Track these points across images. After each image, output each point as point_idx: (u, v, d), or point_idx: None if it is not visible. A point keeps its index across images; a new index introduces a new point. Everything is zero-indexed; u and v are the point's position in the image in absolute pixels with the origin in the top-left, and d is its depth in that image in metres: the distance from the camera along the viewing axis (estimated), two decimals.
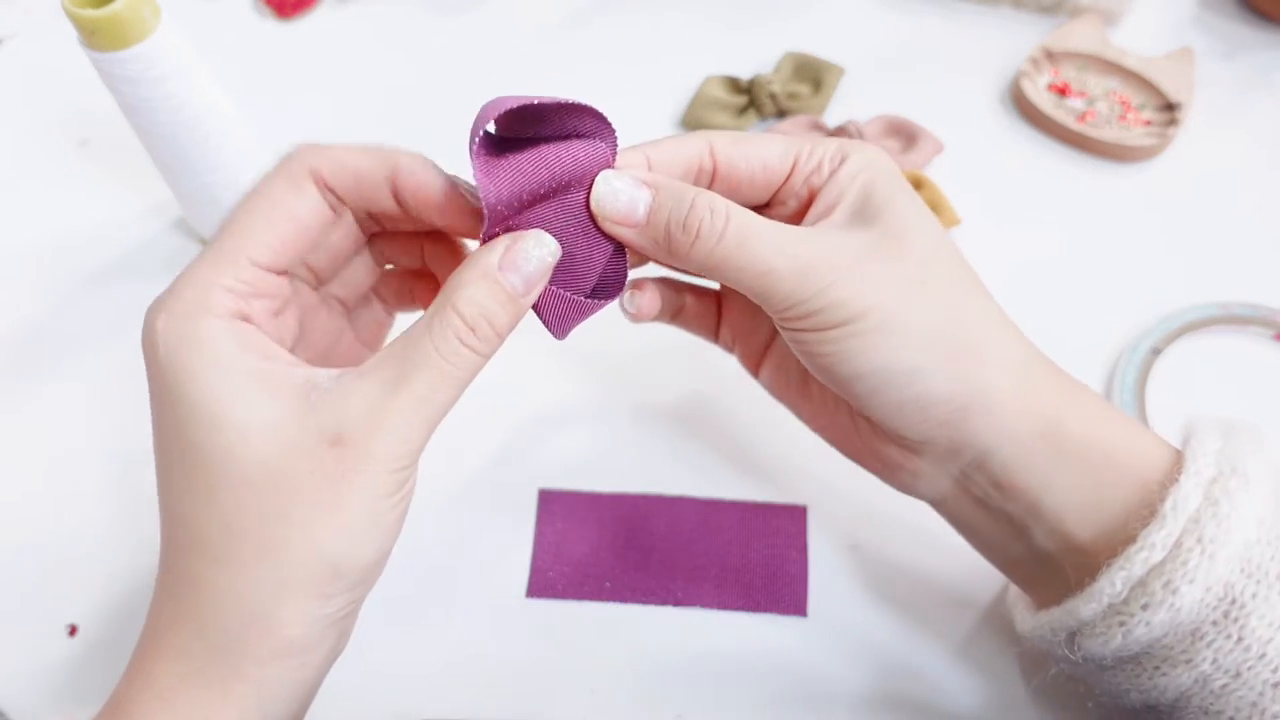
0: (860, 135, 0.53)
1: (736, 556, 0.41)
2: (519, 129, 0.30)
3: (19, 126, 0.60)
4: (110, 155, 0.58)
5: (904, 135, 0.54)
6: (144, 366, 0.27)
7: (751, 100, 0.57)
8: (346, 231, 0.31)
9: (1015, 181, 0.54)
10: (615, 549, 0.42)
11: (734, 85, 0.58)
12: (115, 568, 0.42)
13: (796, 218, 0.33)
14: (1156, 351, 0.46)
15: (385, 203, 0.30)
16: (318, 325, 0.32)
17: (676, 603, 0.40)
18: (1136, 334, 0.47)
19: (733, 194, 0.33)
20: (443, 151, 0.61)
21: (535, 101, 0.28)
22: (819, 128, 0.55)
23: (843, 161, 0.32)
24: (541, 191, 0.29)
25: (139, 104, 0.43)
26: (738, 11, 0.64)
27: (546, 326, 0.31)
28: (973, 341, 0.30)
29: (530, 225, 0.29)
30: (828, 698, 0.38)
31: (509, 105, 0.28)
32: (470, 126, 0.28)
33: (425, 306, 0.35)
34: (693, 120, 0.57)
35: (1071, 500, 0.30)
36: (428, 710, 0.38)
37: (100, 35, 0.40)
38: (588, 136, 0.30)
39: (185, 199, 0.50)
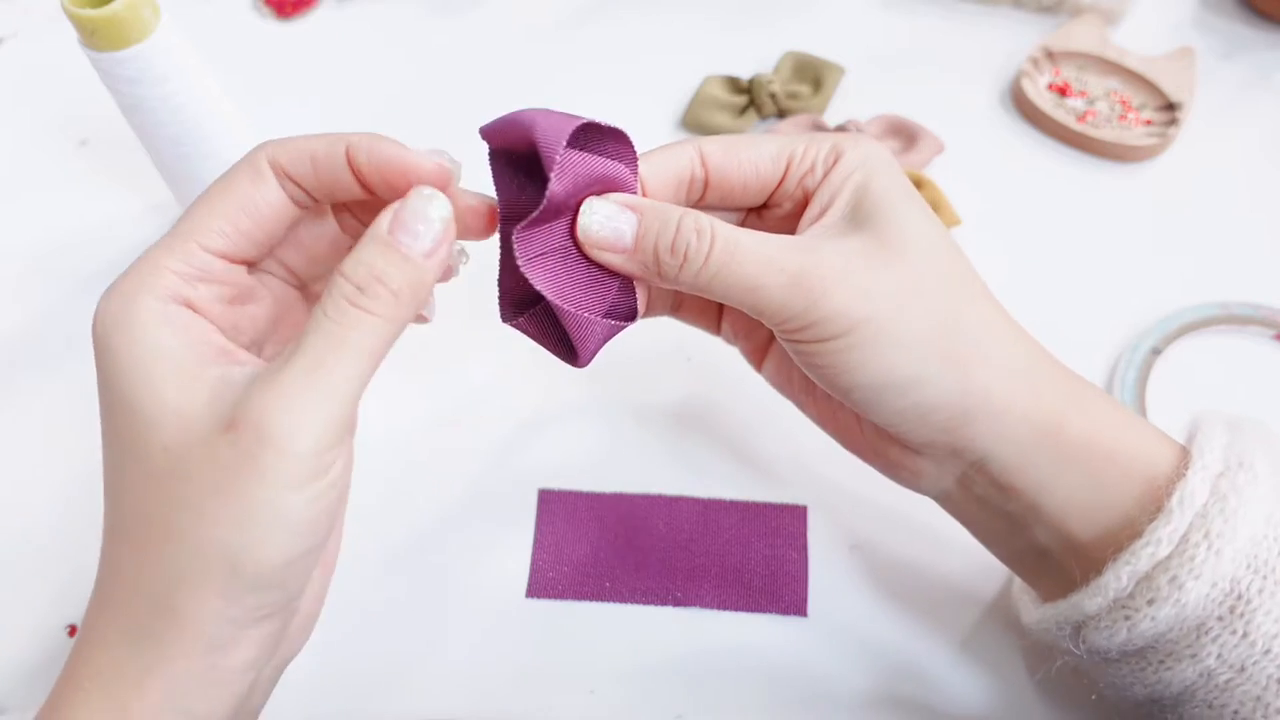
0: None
1: (736, 556, 0.41)
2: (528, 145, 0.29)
3: (19, 126, 0.60)
4: (110, 155, 0.58)
5: (904, 135, 0.54)
6: None
7: (751, 100, 0.57)
8: (324, 232, 0.31)
9: (1015, 181, 0.54)
10: (615, 549, 0.42)
11: (734, 85, 0.58)
12: None
13: (793, 220, 0.32)
14: (1156, 351, 0.46)
15: (347, 182, 0.28)
16: (297, 324, 0.32)
17: (676, 603, 0.40)
18: (1136, 334, 0.47)
19: (727, 200, 0.33)
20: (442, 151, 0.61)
21: (592, 122, 0.28)
22: (819, 127, 0.55)
23: (837, 160, 0.31)
24: (557, 206, 0.29)
25: (138, 104, 0.43)
26: (738, 11, 0.64)
27: (564, 357, 0.31)
28: (970, 347, 0.30)
29: (545, 241, 0.29)
30: (828, 698, 0.38)
31: (568, 128, 0.27)
32: (502, 127, 0.28)
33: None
34: (693, 120, 0.57)
35: (1073, 501, 0.30)
36: (428, 710, 0.38)
37: (100, 35, 0.40)
38: (610, 158, 0.30)
39: (185, 199, 0.50)
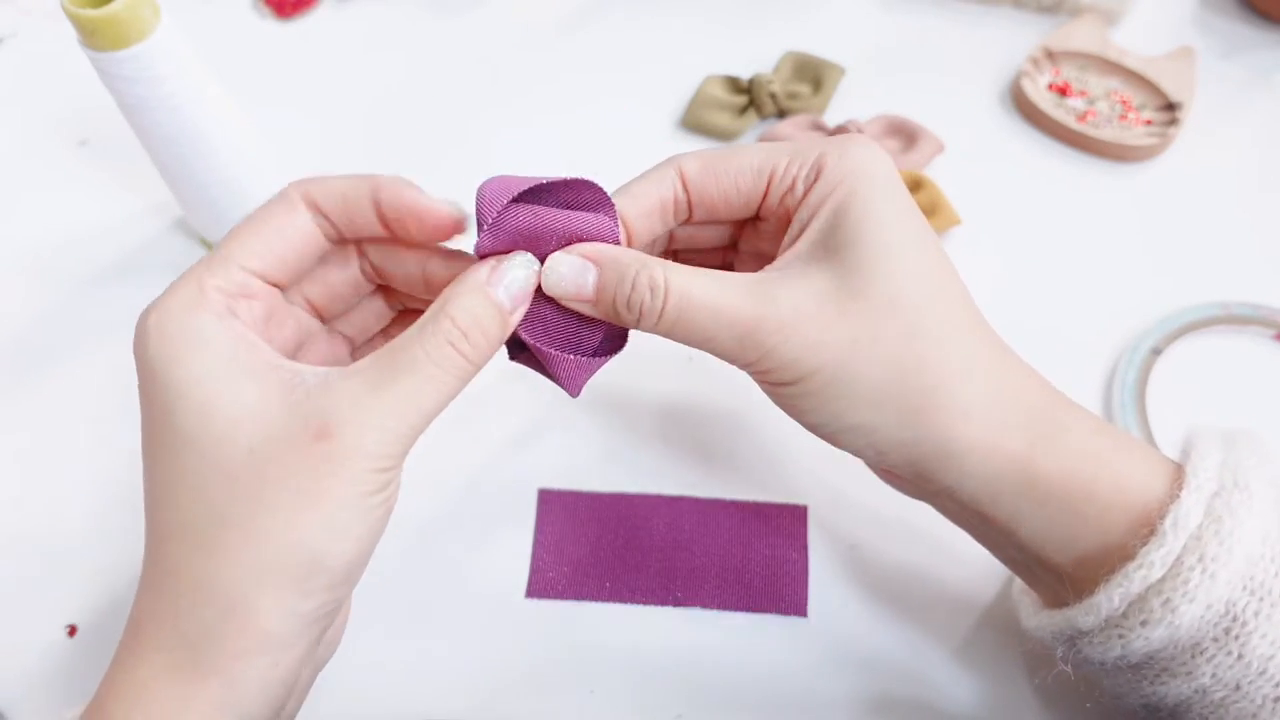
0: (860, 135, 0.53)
1: (736, 556, 0.41)
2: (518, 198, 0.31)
3: (18, 126, 0.60)
4: (110, 155, 0.58)
5: (904, 135, 0.54)
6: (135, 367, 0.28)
7: (751, 100, 0.57)
8: (348, 275, 0.33)
9: (1015, 181, 0.54)
10: (615, 549, 0.42)
11: (734, 85, 0.58)
12: (115, 568, 0.42)
13: (779, 236, 0.32)
14: (1156, 351, 0.46)
15: (371, 220, 0.30)
16: (318, 352, 0.33)
17: (676, 603, 0.40)
18: (1136, 334, 0.47)
19: (713, 216, 0.33)
20: (442, 151, 0.61)
21: (541, 182, 0.30)
22: (819, 128, 0.55)
23: (818, 176, 0.31)
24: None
25: (138, 104, 0.43)
26: (738, 11, 0.64)
27: (561, 386, 0.32)
28: (929, 393, 0.29)
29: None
30: (828, 698, 0.38)
31: (516, 188, 0.29)
32: (476, 205, 0.30)
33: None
34: (693, 120, 0.56)
35: (1050, 534, 0.30)
36: (428, 710, 0.38)
37: (99, 35, 0.40)
38: (588, 208, 0.31)
39: (185, 199, 0.50)
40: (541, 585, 0.41)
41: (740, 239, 0.35)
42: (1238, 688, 0.28)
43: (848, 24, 0.62)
